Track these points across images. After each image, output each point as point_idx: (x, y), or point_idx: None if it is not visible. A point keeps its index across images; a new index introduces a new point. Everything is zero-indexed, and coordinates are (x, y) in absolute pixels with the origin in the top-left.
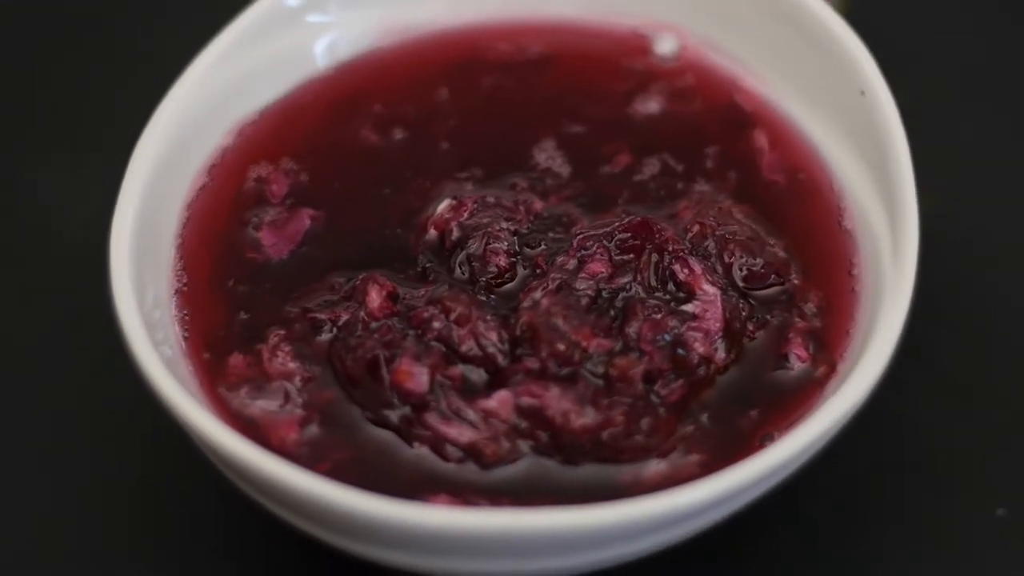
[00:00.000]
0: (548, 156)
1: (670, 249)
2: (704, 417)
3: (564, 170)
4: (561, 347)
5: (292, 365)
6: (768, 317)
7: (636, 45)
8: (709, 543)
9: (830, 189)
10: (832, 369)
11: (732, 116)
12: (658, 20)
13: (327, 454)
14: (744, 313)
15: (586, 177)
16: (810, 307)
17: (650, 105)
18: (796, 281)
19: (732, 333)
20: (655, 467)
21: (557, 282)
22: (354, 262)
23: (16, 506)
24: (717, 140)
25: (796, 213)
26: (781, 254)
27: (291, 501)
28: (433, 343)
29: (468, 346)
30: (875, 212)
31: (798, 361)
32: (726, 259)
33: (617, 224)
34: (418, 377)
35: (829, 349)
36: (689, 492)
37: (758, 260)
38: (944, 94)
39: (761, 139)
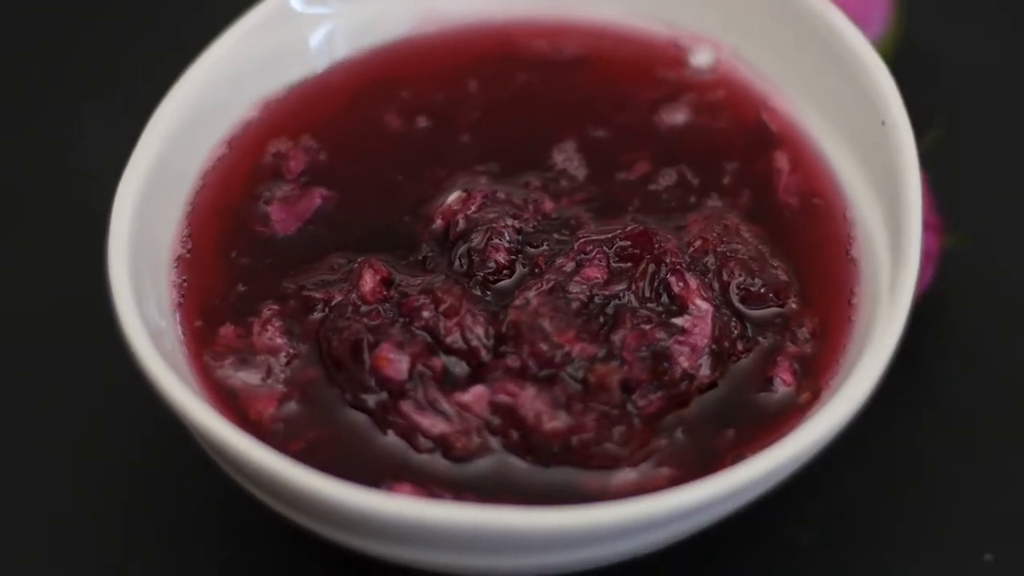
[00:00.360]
0: (566, 157)
1: (668, 261)
2: (679, 432)
3: (580, 173)
4: (543, 347)
5: (279, 341)
6: (760, 338)
7: (672, 55)
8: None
9: (843, 217)
10: (816, 396)
11: (757, 134)
12: (697, 31)
13: (302, 432)
14: (736, 332)
15: (601, 182)
16: (804, 332)
17: (677, 116)
18: (794, 305)
19: (719, 351)
20: (624, 476)
21: (551, 283)
22: (358, 245)
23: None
24: (738, 157)
25: (805, 237)
26: (782, 277)
27: (257, 479)
28: (419, 332)
29: (453, 338)
30: (882, 244)
31: (783, 385)
32: (724, 277)
33: (619, 231)
34: (397, 364)
35: (816, 376)
36: (635, 505)
37: (757, 281)
38: (988, 133)
39: (782, 160)
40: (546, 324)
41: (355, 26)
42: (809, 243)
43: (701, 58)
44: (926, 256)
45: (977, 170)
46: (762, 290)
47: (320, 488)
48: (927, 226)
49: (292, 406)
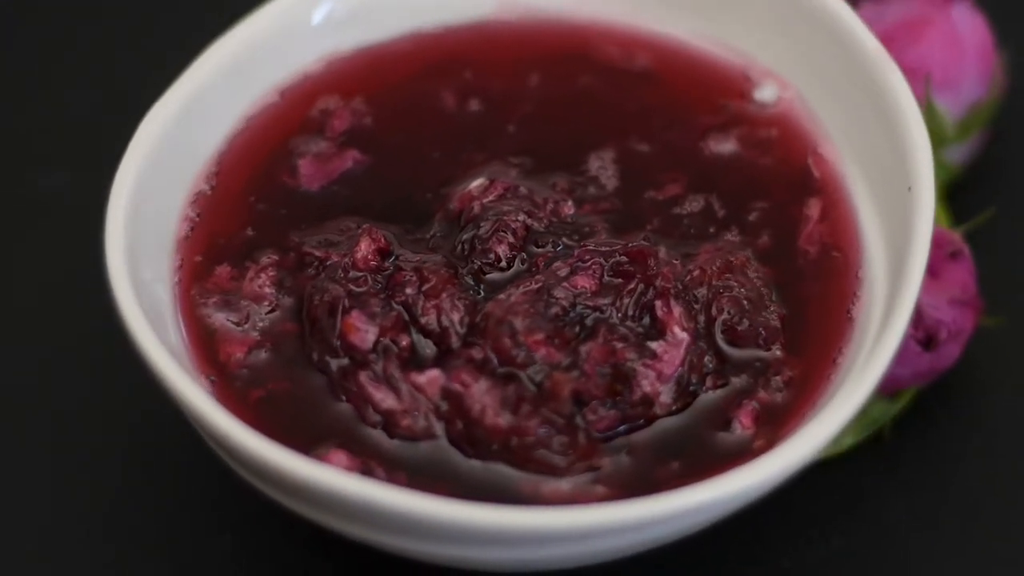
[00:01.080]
0: (602, 166)
1: (657, 284)
2: (624, 454)
3: (610, 183)
4: (507, 344)
5: (267, 290)
6: (733, 378)
7: (739, 85)
8: None
9: (855, 275)
10: (770, 446)
11: (799, 178)
12: (768, 66)
13: (265, 382)
14: (710, 367)
15: (628, 196)
16: (778, 381)
17: (724, 145)
18: (778, 352)
19: (686, 382)
20: (557, 486)
21: (539, 284)
22: (374, 212)
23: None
24: (772, 197)
25: (812, 288)
26: (773, 322)
27: (196, 423)
28: (397, 307)
29: (428, 319)
30: (879, 310)
31: (740, 428)
32: (713, 311)
33: (619, 246)
34: (364, 334)
35: (777, 426)
36: (529, 515)
37: (745, 321)
38: None
39: (814, 208)
40: (517, 322)
41: (438, 2)
42: (814, 294)
43: (766, 93)
44: (957, 334)
45: None
46: (748, 331)
47: (246, 442)
48: (963, 303)
49: (261, 355)
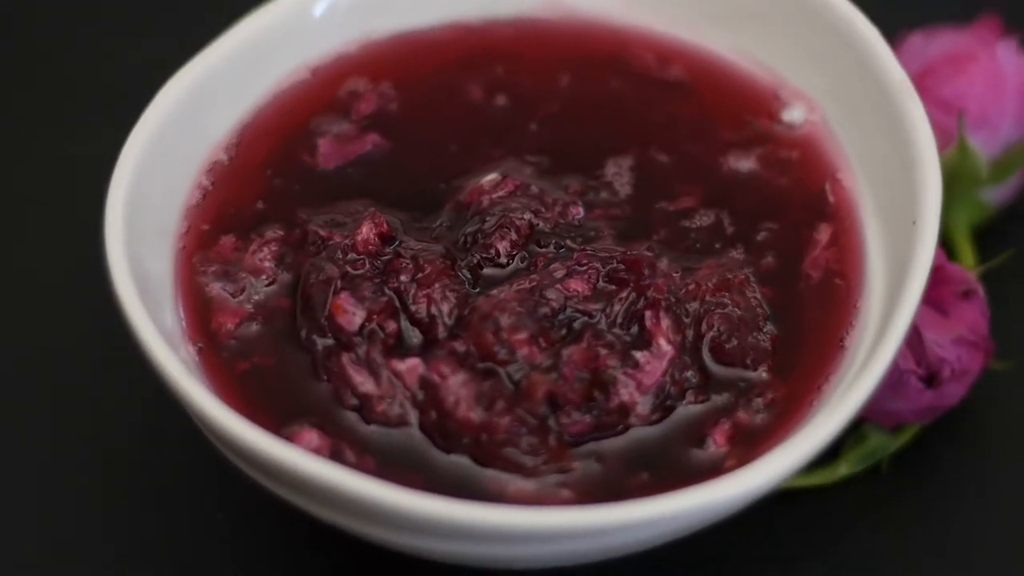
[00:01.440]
0: (617, 172)
1: (649, 295)
2: (593, 460)
3: (624, 190)
4: (489, 339)
5: (267, 264)
6: (715, 395)
7: (768, 105)
8: None
9: (854, 305)
10: (741, 467)
11: (814, 203)
12: (799, 87)
13: (252, 355)
14: (693, 382)
15: (639, 205)
16: (759, 403)
17: (744, 163)
18: (764, 375)
19: (665, 394)
20: (522, 485)
21: (533, 284)
22: (386, 197)
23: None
24: (784, 219)
25: (810, 314)
26: (764, 344)
27: (170, 392)
28: (389, 292)
29: (418, 308)
30: (871, 340)
31: (714, 446)
32: (703, 327)
33: (618, 254)
34: (351, 316)
35: (751, 448)
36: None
37: (734, 340)
38: None
39: (825, 233)
40: (503, 319)
41: None
42: (811, 319)
43: (794, 114)
44: (961, 374)
45: None
46: (736, 350)
47: (217, 416)
48: (970, 344)
49: (252, 327)
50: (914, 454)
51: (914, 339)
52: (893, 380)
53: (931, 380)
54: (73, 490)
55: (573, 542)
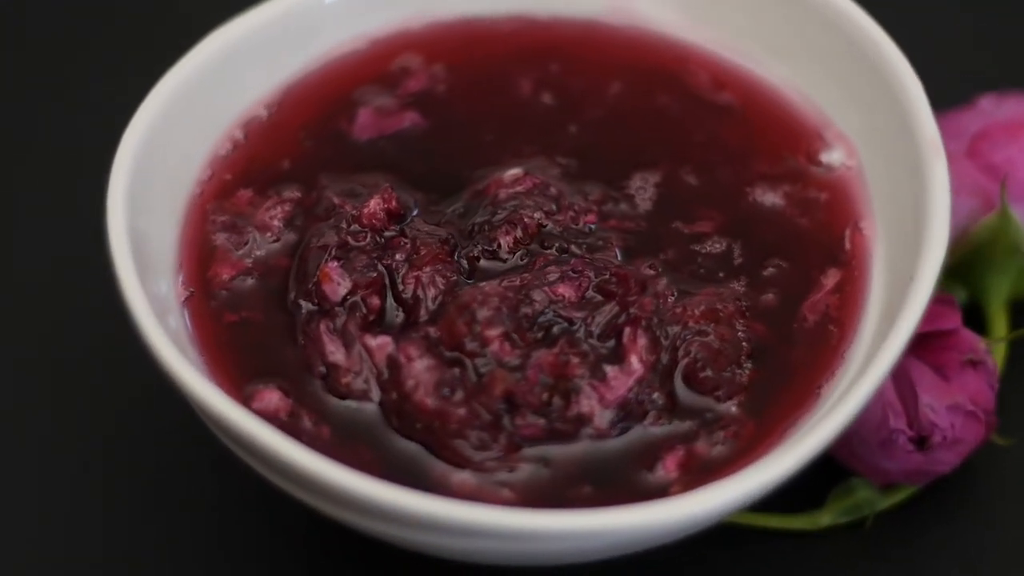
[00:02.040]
0: (642, 186)
1: (631, 311)
2: (541, 466)
3: (643, 205)
4: (460, 329)
5: (276, 223)
6: (677, 421)
7: (809, 143)
8: None
9: (840, 354)
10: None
11: (830, 247)
12: (842, 130)
13: (240, 308)
14: (659, 404)
15: (654, 221)
16: (720, 435)
17: (769, 196)
18: (733, 409)
19: (626, 412)
20: (465, 478)
21: (522, 282)
22: (409, 176)
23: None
24: (795, 258)
25: (795, 355)
26: (740, 379)
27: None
28: (381, 268)
29: (406, 287)
30: (839, 394)
31: (663, 470)
32: (680, 352)
33: (613, 266)
34: (335, 286)
35: (701, 478)
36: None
37: (708, 371)
38: None
39: (832, 279)
40: (481, 312)
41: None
42: (794, 362)
43: (832, 156)
44: (954, 442)
45: None
46: (708, 380)
47: (185, 377)
48: (968, 414)
49: (247, 281)
50: (902, 516)
51: (909, 400)
52: (883, 437)
53: (922, 443)
54: (73, 490)
55: (489, 541)
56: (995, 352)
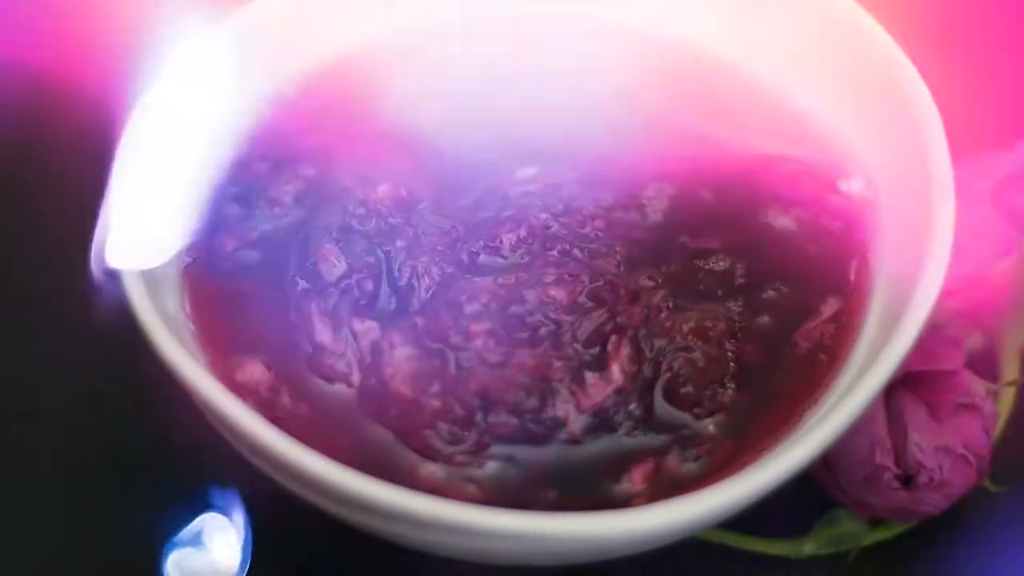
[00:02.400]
0: (655, 197)
1: (619, 320)
2: (510, 465)
3: (654, 216)
4: (447, 322)
5: (287, 199)
6: (652, 434)
7: (831, 169)
8: None
9: (826, 383)
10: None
11: (835, 276)
12: (864, 157)
13: (239, 279)
14: (636, 415)
15: (661, 234)
16: (693, 453)
17: (780, 220)
18: (710, 428)
19: (600, 420)
20: (433, 471)
21: (516, 281)
22: (428, 167)
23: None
24: (796, 284)
25: (779, 380)
26: (721, 399)
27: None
28: (380, 254)
29: (403, 275)
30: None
31: (628, 482)
32: (663, 367)
33: (610, 274)
34: (332, 266)
35: (666, 492)
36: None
37: (689, 387)
38: None
39: (830, 308)
40: (469, 306)
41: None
42: (779, 386)
43: (852, 185)
44: (941, 484)
45: None
46: (688, 396)
47: (171, 353)
48: (957, 457)
49: (249, 254)
50: (887, 553)
51: (900, 437)
52: (868, 472)
53: (908, 481)
54: (74, 490)
55: (444, 535)
56: (1003, 397)
